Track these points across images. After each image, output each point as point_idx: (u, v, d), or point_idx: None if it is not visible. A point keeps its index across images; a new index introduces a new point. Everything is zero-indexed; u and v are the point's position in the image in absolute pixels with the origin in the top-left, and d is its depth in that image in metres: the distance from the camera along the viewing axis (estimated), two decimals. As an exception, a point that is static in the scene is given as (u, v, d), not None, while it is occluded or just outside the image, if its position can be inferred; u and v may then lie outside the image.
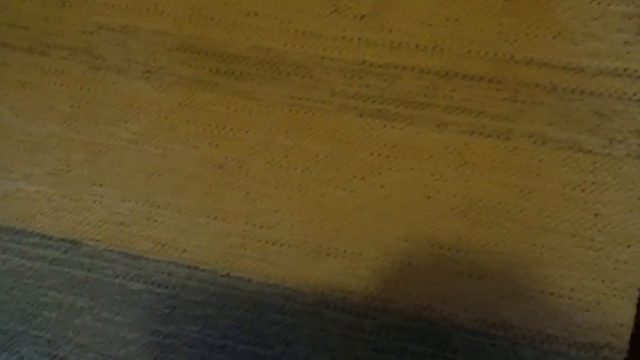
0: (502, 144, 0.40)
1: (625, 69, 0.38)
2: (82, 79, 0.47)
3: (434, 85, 0.41)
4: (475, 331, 0.41)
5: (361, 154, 0.42)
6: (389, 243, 0.42)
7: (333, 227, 0.43)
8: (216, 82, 0.44)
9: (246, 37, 0.44)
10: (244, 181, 0.44)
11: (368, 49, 0.42)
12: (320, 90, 0.43)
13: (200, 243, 0.45)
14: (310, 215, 0.43)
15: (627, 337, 0.38)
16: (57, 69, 0.47)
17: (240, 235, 0.45)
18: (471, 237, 0.41)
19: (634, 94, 0.38)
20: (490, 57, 0.40)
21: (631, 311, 0.38)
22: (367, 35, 0.42)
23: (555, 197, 0.39)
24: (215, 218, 0.45)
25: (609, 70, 0.39)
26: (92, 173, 0.47)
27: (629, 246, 0.39)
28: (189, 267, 0.45)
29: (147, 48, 0.45)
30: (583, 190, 0.39)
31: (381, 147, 0.42)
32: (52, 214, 0.48)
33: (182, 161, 0.45)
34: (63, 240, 0.48)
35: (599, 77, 0.39)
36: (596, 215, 0.39)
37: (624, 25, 0.38)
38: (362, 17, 0.42)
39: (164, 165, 0.45)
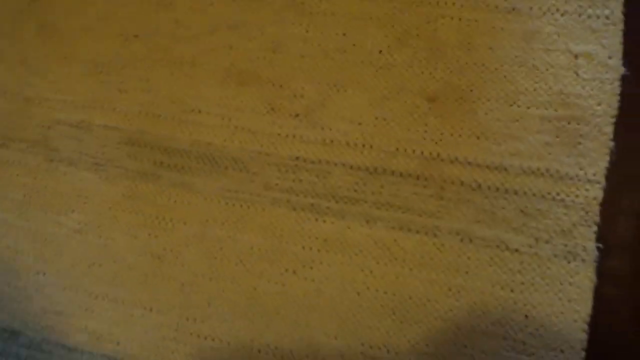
0: (429, 240, 0.40)
1: (547, 169, 0.39)
2: (36, 169, 0.49)
3: (364, 181, 0.42)
4: None
5: (293, 247, 0.42)
6: (319, 341, 0.41)
7: (264, 322, 0.42)
8: (159, 174, 0.46)
9: (189, 133, 0.46)
10: (179, 272, 0.44)
11: (302, 146, 0.43)
12: (255, 184, 0.44)
13: (134, 335, 0.45)
14: (243, 309, 0.43)
15: None
16: (15, 160, 0.49)
17: (174, 329, 0.44)
18: (401, 336, 0.40)
19: (557, 194, 0.38)
20: (417, 155, 0.41)
21: None
22: (301, 133, 0.44)
23: (485, 296, 0.38)
24: (151, 310, 0.45)
25: (532, 170, 0.39)
26: (37, 262, 0.48)
27: (562, 351, 0.37)
28: (120, 360, 0.44)
29: (98, 142, 0.48)
30: (512, 290, 0.38)
31: (313, 240, 0.42)
32: (-7, 302, 0.48)
33: (122, 251, 0.46)
34: (4, 329, 0.48)
35: (522, 176, 0.39)
36: (526, 316, 0.38)
37: (544, 127, 0.39)
38: (297, 115, 0.44)
39: (105, 255, 0.46)
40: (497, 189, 0.39)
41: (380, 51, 0.43)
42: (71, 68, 0.49)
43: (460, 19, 0.42)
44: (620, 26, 0.40)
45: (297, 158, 0.43)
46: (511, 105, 0.40)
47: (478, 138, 0.40)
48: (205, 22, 0.47)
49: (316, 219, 0.42)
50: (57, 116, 0.49)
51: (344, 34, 0.44)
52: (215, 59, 0.46)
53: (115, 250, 0.46)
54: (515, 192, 0.39)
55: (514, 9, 0.42)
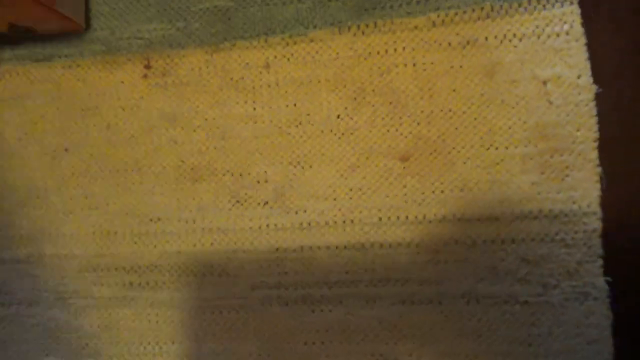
0: (435, 309, 0.38)
1: (540, 210, 0.37)
2: (-6, 318, 0.44)
3: (353, 261, 0.39)
4: None
5: (295, 345, 0.40)
6: None
7: None
8: (132, 296, 0.42)
9: (153, 245, 0.42)
10: (181, 395, 0.41)
11: (279, 235, 0.40)
12: (239, 286, 0.40)
13: None
14: (258, 419, 0.40)
15: None
16: (-33, 313, 0.44)
17: None
18: (429, 414, 0.38)
19: (556, 234, 0.36)
20: (402, 221, 0.39)
21: None
22: (275, 221, 0.40)
23: (503, 357, 0.37)
24: None
25: (524, 214, 0.37)
26: (22, 415, 0.43)
27: (594, 395, 0.36)
28: None
29: (55, 274, 0.43)
30: (530, 345, 0.37)
31: (314, 334, 0.39)
32: None
33: (113, 386, 0.42)
34: None
35: (515, 223, 0.37)
36: (551, 368, 0.36)
37: (527, 166, 0.37)
38: (266, 203, 0.40)
39: (95, 393, 0.42)
40: (493, 241, 0.37)
41: (338, 116, 0.40)
42: (3, 201, 0.44)
43: (414, 65, 0.39)
44: (583, 40, 0.37)
45: (277, 249, 0.40)
46: (488, 149, 0.38)
47: (462, 190, 0.38)
48: (140, 120, 0.42)
49: (312, 310, 0.39)
50: (1, 255, 0.44)
51: (295, 104, 0.40)
52: (161, 159, 0.42)
53: (106, 386, 0.42)
54: (512, 241, 0.37)
55: (468, 43, 0.39)
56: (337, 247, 0.39)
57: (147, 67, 0.43)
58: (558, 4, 0.38)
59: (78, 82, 0.43)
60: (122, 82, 0.43)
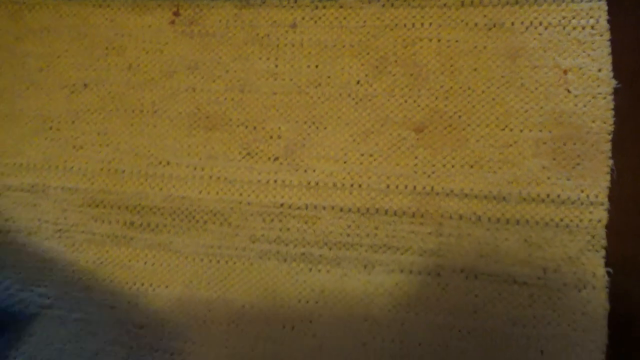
0: (433, 281, 0.38)
1: (548, 195, 0.37)
2: (-10, 243, 0.44)
3: (356, 224, 0.39)
4: None
5: (289, 301, 0.39)
6: (327, 399, 0.38)
7: (266, 385, 0.39)
8: (131, 236, 0.42)
9: (159, 188, 0.42)
10: (166, 342, 0.41)
11: (285, 191, 0.40)
12: (239, 237, 0.40)
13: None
14: (241, 374, 0.40)
15: None
16: (-36, 235, 0.44)
17: (168, 402, 0.40)
18: (414, 386, 0.37)
19: (561, 220, 0.37)
20: (410, 190, 0.39)
21: None
22: (283, 177, 0.40)
23: (497, 335, 0.37)
24: (139, 384, 0.41)
25: (532, 197, 0.37)
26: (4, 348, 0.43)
27: (581, 384, 0.36)
28: None
29: (57, 206, 0.43)
30: (524, 326, 0.36)
31: (309, 292, 0.39)
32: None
33: (100, 325, 0.41)
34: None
35: (522, 204, 0.37)
36: (542, 352, 0.36)
37: (539, 150, 0.37)
38: (276, 158, 0.41)
39: (82, 330, 0.42)
40: (498, 220, 0.37)
41: (358, 81, 0.40)
42: (16, 127, 0.44)
43: (439, 41, 0.40)
44: (607, 36, 0.38)
45: (281, 205, 0.40)
46: (503, 129, 0.38)
47: (472, 167, 0.38)
48: (162, 65, 0.42)
49: (310, 269, 0.39)
50: (5, 182, 0.44)
51: (317, 66, 0.41)
52: (177, 104, 0.42)
53: (93, 325, 0.42)
54: (517, 222, 0.37)
55: (495, 25, 0.39)
56: (341, 209, 0.39)
57: (176, 14, 0.43)
58: (587, -2, 0.38)
59: (106, 21, 0.44)
60: (150, 26, 0.43)
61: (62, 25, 0.45)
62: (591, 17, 0.38)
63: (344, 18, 0.41)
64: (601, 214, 0.36)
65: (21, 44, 0.45)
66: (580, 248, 0.36)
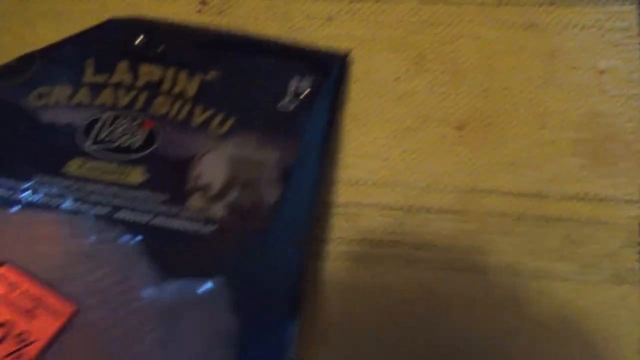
0: (478, 278, 0.38)
1: (587, 193, 0.38)
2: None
3: (398, 222, 0.39)
4: None
5: (329, 299, 0.38)
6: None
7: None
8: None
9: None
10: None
11: (325, 188, 0.39)
12: (276, 237, 0.39)
13: None
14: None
15: None
16: None
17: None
18: (461, 385, 0.37)
19: (600, 217, 0.37)
20: (452, 189, 0.39)
21: None
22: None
23: (543, 331, 0.37)
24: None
25: (571, 194, 0.38)
26: None
27: (621, 375, 0.37)
28: None
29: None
30: (568, 321, 0.37)
31: (351, 292, 0.38)
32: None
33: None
34: None
35: (563, 202, 0.38)
36: (585, 345, 0.37)
37: (577, 149, 0.38)
38: (315, 155, 0.39)
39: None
40: (539, 218, 0.38)
41: (397, 78, 0.40)
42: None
43: (478, 38, 0.40)
44: (638, 39, 0.39)
45: (322, 203, 0.39)
46: (542, 129, 0.39)
47: (512, 165, 0.39)
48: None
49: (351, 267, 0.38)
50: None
51: (354, 61, 0.40)
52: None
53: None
54: (559, 219, 0.38)
55: (531, 25, 0.40)
56: (383, 207, 0.39)
57: (203, 2, 0.41)
58: (619, 2, 0.39)
59: (127, 7, 0.41)
60: (175, 15, 0.41)
61: (77, 10, 0.42)
62: (624, 20, 0.39)
63: (381, 12, 0.41)
64: (636, 212, 0.37)
65: (31, 29, 0.41)
66: (618, 245, 0.37)
